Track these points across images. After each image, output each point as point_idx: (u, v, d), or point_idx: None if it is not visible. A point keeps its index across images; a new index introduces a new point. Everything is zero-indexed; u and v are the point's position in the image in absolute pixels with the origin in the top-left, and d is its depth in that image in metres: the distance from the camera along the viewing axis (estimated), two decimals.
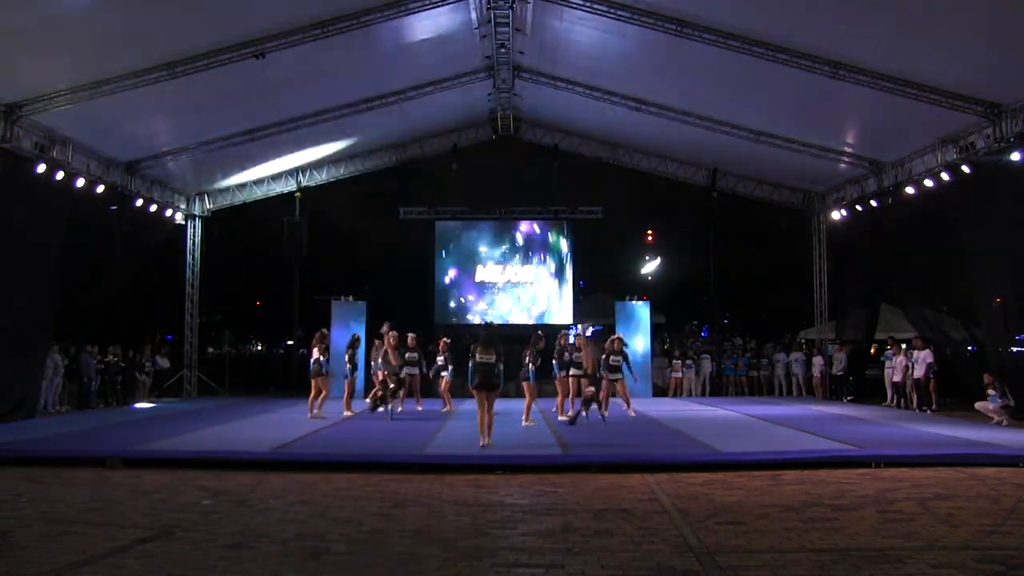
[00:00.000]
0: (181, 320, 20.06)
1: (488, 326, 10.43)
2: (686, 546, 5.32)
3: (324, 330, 14.44)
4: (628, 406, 13.78)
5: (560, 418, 12.59)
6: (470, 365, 9.81)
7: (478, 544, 5.42)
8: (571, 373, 12.91)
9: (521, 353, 12.64)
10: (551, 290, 20.75)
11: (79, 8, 10.71)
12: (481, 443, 9.50)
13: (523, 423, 12.05)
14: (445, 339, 15.65)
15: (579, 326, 15.64)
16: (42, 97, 12.44)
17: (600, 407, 12.46)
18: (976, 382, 13.15)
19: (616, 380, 13.16)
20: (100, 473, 8.36)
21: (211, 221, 20.43)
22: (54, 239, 13.70)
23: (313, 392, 13.30)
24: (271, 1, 11.87)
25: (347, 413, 13.57)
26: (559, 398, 13.34)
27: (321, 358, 13.21)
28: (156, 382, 18.48)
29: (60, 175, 13.89)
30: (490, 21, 13.80)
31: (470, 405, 15.60)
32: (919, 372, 14.67)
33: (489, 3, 13.12)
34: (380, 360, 13.53)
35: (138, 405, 16.53)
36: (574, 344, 13.08)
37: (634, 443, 10.35)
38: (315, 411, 13.16)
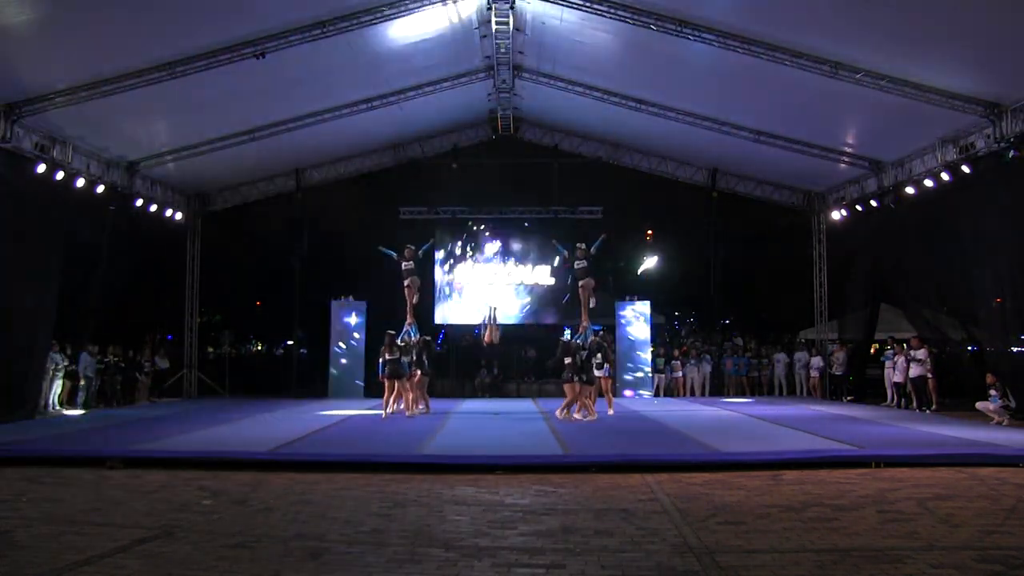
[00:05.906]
0: (181, 320, 20.03)
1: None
2: (686, 546, 5.32)
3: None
4: (610, 405, 14.11)
5: (587, 418, 12.80)
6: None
7: (478, 544, 5.42)
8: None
9: (550, 357, 13.21)
10: (550, 290, 20.73)
11: (79, 8, 10.71)
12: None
13: (586, 418, 12.62)
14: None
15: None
16: (42, 97, 12.43)
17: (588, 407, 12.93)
18: (975, 382, 13.15)
19: (602, 378, 13.74)
20: (100, 473, 8.36)
21: (211, 221, 20.40)
22: (54, 239, 13.70)
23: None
24: (271, 1, 11.87)
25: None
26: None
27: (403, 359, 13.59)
28: (156, 382, 18.45)
29: (60, 175, 13.89)
30: (490, 21, 13.80)
31: (469, 404, 15.78)
32: (915, 371, 14.67)
33: (489, 3, 13.13)
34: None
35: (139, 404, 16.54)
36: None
37: (634, 443, 10.38)
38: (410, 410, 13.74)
